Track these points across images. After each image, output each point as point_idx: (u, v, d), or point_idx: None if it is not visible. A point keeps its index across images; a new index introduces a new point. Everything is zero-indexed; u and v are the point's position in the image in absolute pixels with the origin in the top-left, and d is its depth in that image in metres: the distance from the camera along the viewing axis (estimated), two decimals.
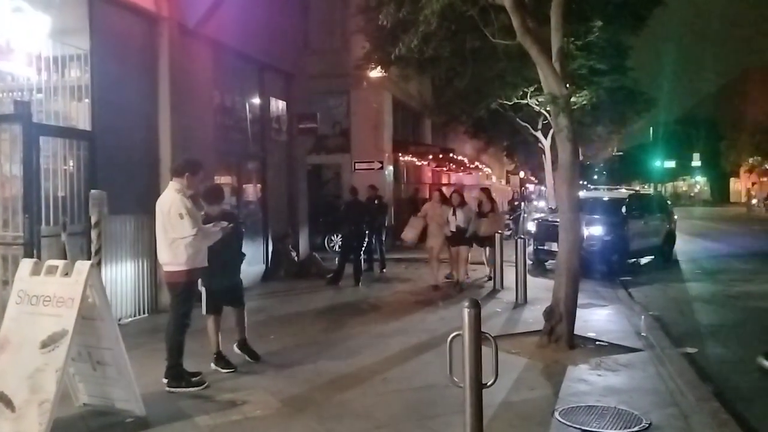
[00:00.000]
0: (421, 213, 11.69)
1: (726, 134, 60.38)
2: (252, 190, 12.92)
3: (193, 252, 5.68)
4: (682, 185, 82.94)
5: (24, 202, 6.93)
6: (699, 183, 75.91)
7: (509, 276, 10.65)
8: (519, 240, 10.68)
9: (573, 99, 8.46)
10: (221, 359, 6.32)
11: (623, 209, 14.15)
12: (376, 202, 13.79)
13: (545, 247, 13.27)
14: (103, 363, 4.92)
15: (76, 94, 8.12)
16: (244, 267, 7.10)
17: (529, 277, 10.32)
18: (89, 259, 7.07)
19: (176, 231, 5.61)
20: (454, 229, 10.82)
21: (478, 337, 4.32)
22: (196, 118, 10.15)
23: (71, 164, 7.84)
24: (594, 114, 19.40)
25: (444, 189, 13.86)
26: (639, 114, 24.88)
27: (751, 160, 51.71)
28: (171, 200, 5.68)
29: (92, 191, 7.42)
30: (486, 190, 13.01)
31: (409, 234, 11.71)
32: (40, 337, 4.52)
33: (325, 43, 19.02)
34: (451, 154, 26.86)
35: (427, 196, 18.62)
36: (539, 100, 15.12)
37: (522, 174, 51.14)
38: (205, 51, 10.56)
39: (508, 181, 49.63)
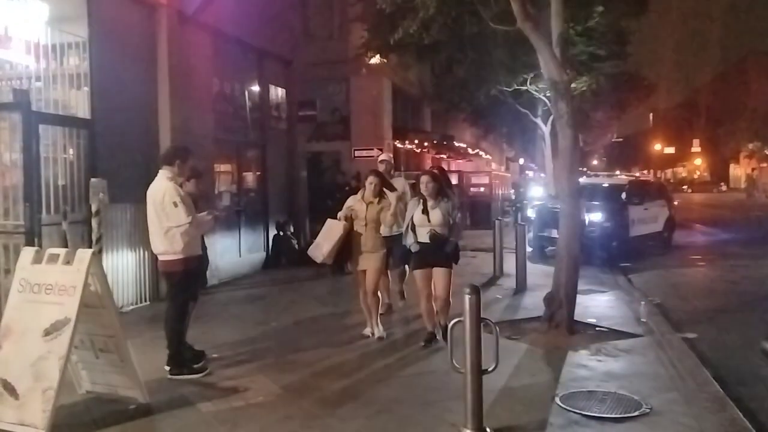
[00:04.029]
0: (343, 212, 6.91)
1: (725, 120, 60.30)
2: (252, 178, 12.92)
3: (188, 240, 5.66)
4: (681, 171, 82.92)
5: (24, 190, 6.94)
6: (699, 169, 75.85)
7: (509, 262, 10.66)
8: (519, 226, 10.67)
9: (573, 85, 8.41)
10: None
11: (623, 196, 14.15)
12: (347, 188, 13.75)
13: (545, 234, 13.28)
14: (105, 350, 4.93)
15: (75, 82, 8.10)
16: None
17: (529, 264, 10.33)
18: (90, 247, 7.09)
19: (171, 219, 5.58)
20: (425, 239, 6.42)
21: (479, 324, 4.34)
22: (195, 106, 10.14)
23: (71, 152, 7.84)
24: (594, 100, 19.36)
25: (388, 165, 8.34)
26: (639, 100, 24.85)
27: (750, 146, 51.64)
28: (164, 189, 5.63)
29: (92, 179, 7.42)
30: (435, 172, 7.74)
31: (318, 249, 6.87)
32: (43, 325, 4.53)
33: (324, 30, 18.96)
34: (450, 141, 26.85)
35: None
36: (539, 86, 15.13)
37: (522, 161, 51.07)
38: (203, 38, 10.54)
39: (507, 168, 49.56)
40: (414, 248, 6.50)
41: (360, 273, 6.95)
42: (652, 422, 4.61)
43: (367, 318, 7.07)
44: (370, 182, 6.97)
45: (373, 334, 6.96)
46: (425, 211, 6.43)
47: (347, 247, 6.86)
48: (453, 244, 6.45)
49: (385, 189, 7.10)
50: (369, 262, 6.86)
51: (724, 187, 59.97)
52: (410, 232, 6.54)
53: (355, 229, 6.87)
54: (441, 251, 6.40)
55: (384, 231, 6.98)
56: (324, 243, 6.85)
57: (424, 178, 6.55)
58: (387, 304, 8.01)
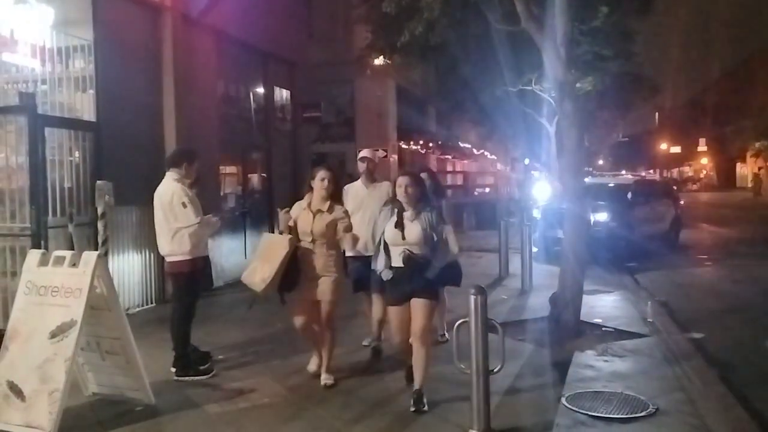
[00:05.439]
0: (283, 224, 5.36)
1: (732, 119, 60.07)
2: (257, 180, 12.93)
3: (196, 241, 5.68)
4: (688, 170, 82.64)
5: (30, 193, 6.96)
6: (705, 168, 75.58)
7: (515, 263, 10.64)
8: (524, 227, 10.64)
9: (578, 85, 8.38)
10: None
11: (629, 195, 14.11)
12: None
13: (551, 234, 13.24)
14: (111, 353, 4.95)
15: (80, 85, 8.12)
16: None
17: (534, 264, 10.31)
18: (96, 249, 7.10)
19: (179, 220, 5.61)
20: (399, 263, 4.80)
21: (485, 324, 4.33)
22: (200, 108, 10.16)
23: (77, 155, 7.86)
24: (599, 99, 19.29)
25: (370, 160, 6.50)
26: (644, 99, 24.78)
27: (757, 145, 51.41)
28: (172, 190, 5.67)
29: (98, 182, 7.44)
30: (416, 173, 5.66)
31: (256, 274, 5.23)
32: (49, 328, 4.55)
33: (328, 32, 18.99)
34: (455, 142, 26.83)
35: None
36: (544, 86, 15.10)
37: (527, 160, 51.01)
38: (208, 41, 10.56)
39: (513, 168, 49.53)
40: (385, 275, 4.87)
41: (302, 302, 5.36)
42: (659, 422, 4.59)
43: (315, 351, 5.64)
44: (322, 178, 5.31)
45: (319, 366, 5.54)
46: (400, 225, 4.83)
47: (292, 268, 5.21)
48: (435, 270, 4.78)
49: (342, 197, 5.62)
50: (320, 290, 5.28)
51: (695, 186, 60.07)
52: (381, 254, 4.93)
53: (300, 245, 5.27)
54: (421, 278, 4.75)
55: (351, 250, 5.69)
56: (263, 265, 5.17)
57: (401, 180, 4.89)
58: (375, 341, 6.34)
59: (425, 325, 4.82)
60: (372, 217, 5.96)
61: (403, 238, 4.78)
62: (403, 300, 4.85)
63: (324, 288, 5.28)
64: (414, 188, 4.87)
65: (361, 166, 6.46)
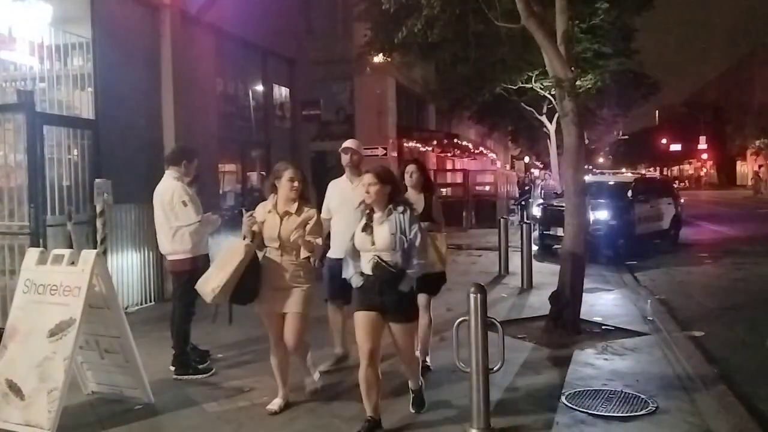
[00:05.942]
0: (246, 228, 4.71)
1: (732, 117, 60.05)
2: (256, 178, 12.92)
3: (197, 239, 5.69)
4: (688, 168, 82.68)
5: (29, 191, 6.96)
6: (705, 166, 75.58)
7: (515, 261, 10.63)
8: (524, 225, 10.64)
9: (578, 83, 8.36)
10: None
11: (629, 193, 14.10)
12: None
13: (551, 232, 13.24)
14: (110, 351, 4.94)
15: (79, 83, 8.11)
16: None
17: (534, 262, 10.31)
18: (95, 247, 7.10)
19: (180, 219, 5.61)
20: (368, 270, 4.30)
21: (485, 323, 4.32)
22: (199, 106, 10.14)
23: (75, 153, 7.85)
24: (599, 97, 19.28)
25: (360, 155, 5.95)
26: (644, 97, 24.77)
27: (757, 143, 51.42)
28: (172, 188, 5.66)
29: (96, 180, 7.42)
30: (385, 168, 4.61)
31: (207, 284, 4.62)
32: (48, 326, 4.54)
33: (327, 29, 18.97)
34: (455, 140, 26.81)
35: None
36: (544, 84, 15.09)
37: (527, 159, 51.09)
38: (207, 38, 10.54)
39: (512, 166, 49.58)
40: (355, 282, 4.34)
41: (271, 315, 4.77)
42: (659, 421, 4.59)
43: (279, 384, 4.92)
44: (290, 178, 4.69)
45: (282, 407, 4.83)
46: (368, 229, 4.31)
47: (251, 278, 4.60)
48: (410, 281, 4.24)
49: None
50: (287, 301, 4.68)
51: (683, 183, 60.34)
52: (349, 260, 4.41)
53: (266, 253, 4.71)
54: (393, 290, 4.21)
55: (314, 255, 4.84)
56: (217, 273, 4.57)
57: (365, 178, 4.35)
58: (336, 355, 5.94)
59: (409, 347, 4.49)
60: (356, 214, 4.80)
61: (372, 243, 4.25)
62: (371, 308, 4.27)
63: (292, 299, 4.65)
64: (378, 187, 4.26)
65: (345, 159, 5.77)
